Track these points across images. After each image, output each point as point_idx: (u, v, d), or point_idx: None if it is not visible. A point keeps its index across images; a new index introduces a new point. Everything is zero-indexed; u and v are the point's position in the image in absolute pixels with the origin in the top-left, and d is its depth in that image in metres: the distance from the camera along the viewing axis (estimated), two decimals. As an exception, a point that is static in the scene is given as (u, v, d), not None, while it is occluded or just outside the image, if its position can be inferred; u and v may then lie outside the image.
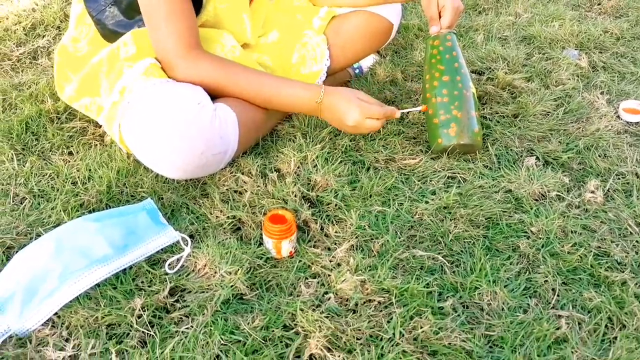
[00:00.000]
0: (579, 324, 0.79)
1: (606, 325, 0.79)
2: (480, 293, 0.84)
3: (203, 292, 0.84)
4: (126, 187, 1.04)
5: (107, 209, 0.99)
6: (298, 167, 1.09)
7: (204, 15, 1.12)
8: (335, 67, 1.31)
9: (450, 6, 1.13)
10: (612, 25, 1.64)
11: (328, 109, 1.08)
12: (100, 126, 1.21)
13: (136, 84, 1.00)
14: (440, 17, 1.15)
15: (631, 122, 1.24)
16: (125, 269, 0.87)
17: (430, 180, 1.07)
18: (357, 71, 1.45)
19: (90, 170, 1.07)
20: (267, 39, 1.25)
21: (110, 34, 1.09)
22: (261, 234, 0.93)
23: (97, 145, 1.16)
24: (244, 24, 1.17)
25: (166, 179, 1.05)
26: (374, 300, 0.83)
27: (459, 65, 1.13)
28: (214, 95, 1.05)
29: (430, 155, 1.13)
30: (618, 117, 1.25)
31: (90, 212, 0.98)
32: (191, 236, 0.94)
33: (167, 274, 0.87)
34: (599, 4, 1.82)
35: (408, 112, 1.20)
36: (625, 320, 0.79)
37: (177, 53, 1.01)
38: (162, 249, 0.91)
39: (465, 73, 1.13)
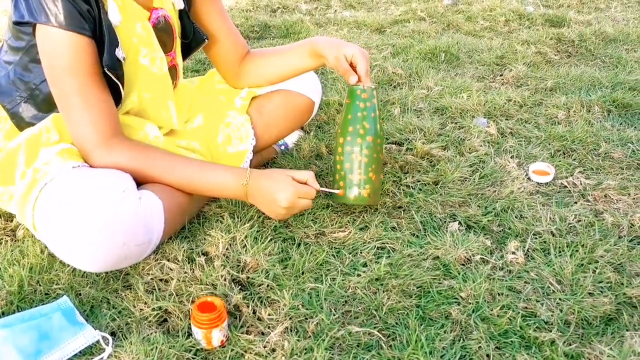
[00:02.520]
0: (516, 389, 0.80)
1: (541, 388, 0.80)
2: (417, 366, 0.83)
3: (127, 395, 0.77)
4: (40, 285, 0.96)
5: (17, 311, 0.91)
6: (227, 249, 1.06)
7: (128, 104, 1.10)
8: (260, 145, 1.32)
9: (360, 53, 1.12)
10: (515, 94, 1.78)
11: (256, 191, 1.06)
12: (12, 220, 1.14)
13: (53, 166, 0.95)
14: (353, 68, 1.13)
15: (541, 183, 1.32)
16: (38, 378, 0.79)
17: (361, 252, 1.08)
18: (282, 147, 1.47)
19: (-1, 269, 0.99)
20: (194, 124, 1.25)
21: (29, 126, 1.05)
22: (190, 324, 0.88)
23: (7, 241, 1.08)
24: (169, 111, 1.16)
25: (84, 272, 0.99)
26: (312, 385, 0.79)
27: (380, 127, 1.14)
28: (137, 182, 1.02)
29: (359, 226, 1.14)
30: (529, 179, 1.34)
31: (-2, 316, 0.90)
32: (113, 334, 0.88)
33: (86, 379, 0.80)
34: (500, 75, 1.98)
35: (327, 193, 1.14)
36: (558, 381, 0.80)
37: (93, 142, 0.99)
38: (80, 352, 0.84)
39: (382, 135, 1.16)
